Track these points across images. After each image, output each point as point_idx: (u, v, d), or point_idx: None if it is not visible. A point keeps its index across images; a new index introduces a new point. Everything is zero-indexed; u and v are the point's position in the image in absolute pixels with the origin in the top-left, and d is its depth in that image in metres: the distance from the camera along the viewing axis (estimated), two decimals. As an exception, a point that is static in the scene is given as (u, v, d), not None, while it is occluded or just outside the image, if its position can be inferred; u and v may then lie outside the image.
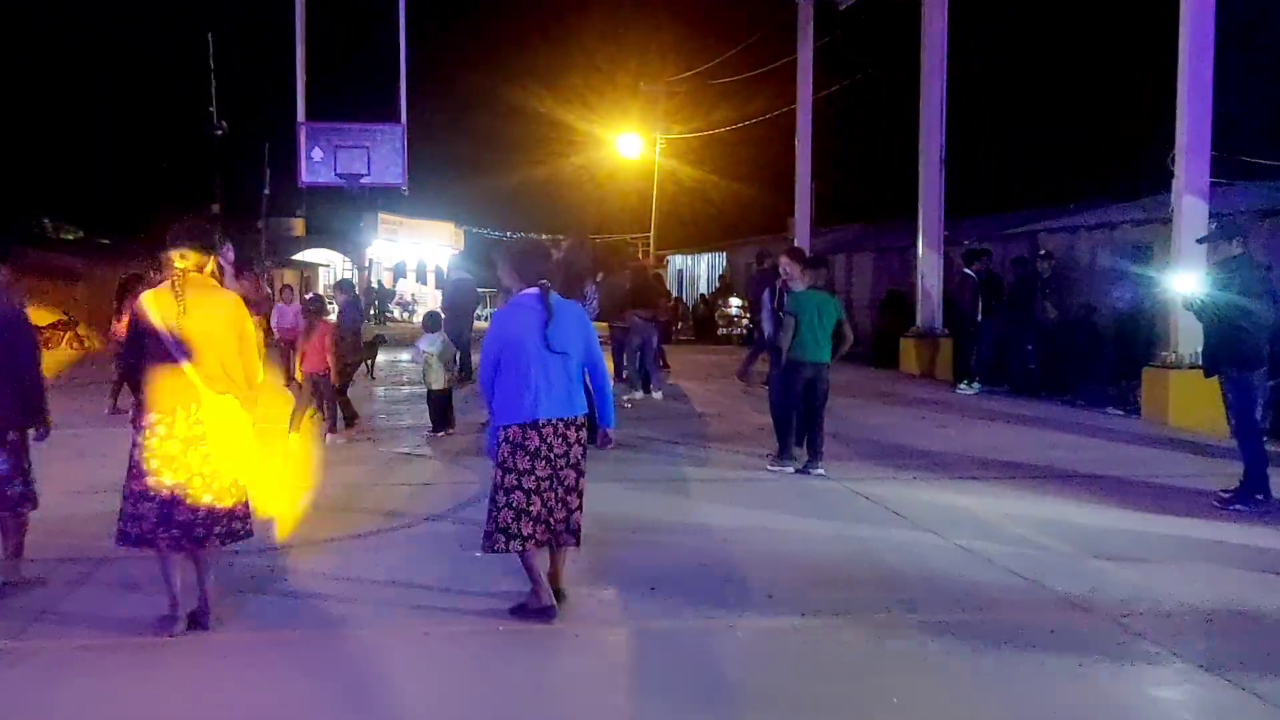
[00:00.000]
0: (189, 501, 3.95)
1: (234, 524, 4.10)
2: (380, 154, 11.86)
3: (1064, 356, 11.78)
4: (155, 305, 3.99)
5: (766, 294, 8.19)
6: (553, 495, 4.18)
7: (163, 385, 3.96)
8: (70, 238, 29.24)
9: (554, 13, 64.55)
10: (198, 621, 4.04)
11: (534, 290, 4.24)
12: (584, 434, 4.29)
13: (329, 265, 34.21)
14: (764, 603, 4.46)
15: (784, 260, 7.59)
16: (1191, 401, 9.16)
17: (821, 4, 17.79)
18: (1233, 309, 6.03)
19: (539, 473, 4.14)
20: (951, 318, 13.81)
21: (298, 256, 29.14)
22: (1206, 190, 9.64)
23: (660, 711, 3.50)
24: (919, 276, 14.90)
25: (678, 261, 31.82)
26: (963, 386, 12.31)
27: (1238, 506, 6.07)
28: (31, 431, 4.60)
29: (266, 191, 22.54)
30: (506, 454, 4.14)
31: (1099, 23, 21.52)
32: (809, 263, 7.50)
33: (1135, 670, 3.79)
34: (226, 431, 4.02)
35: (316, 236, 31.85)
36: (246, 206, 27.19)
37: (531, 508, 4.12)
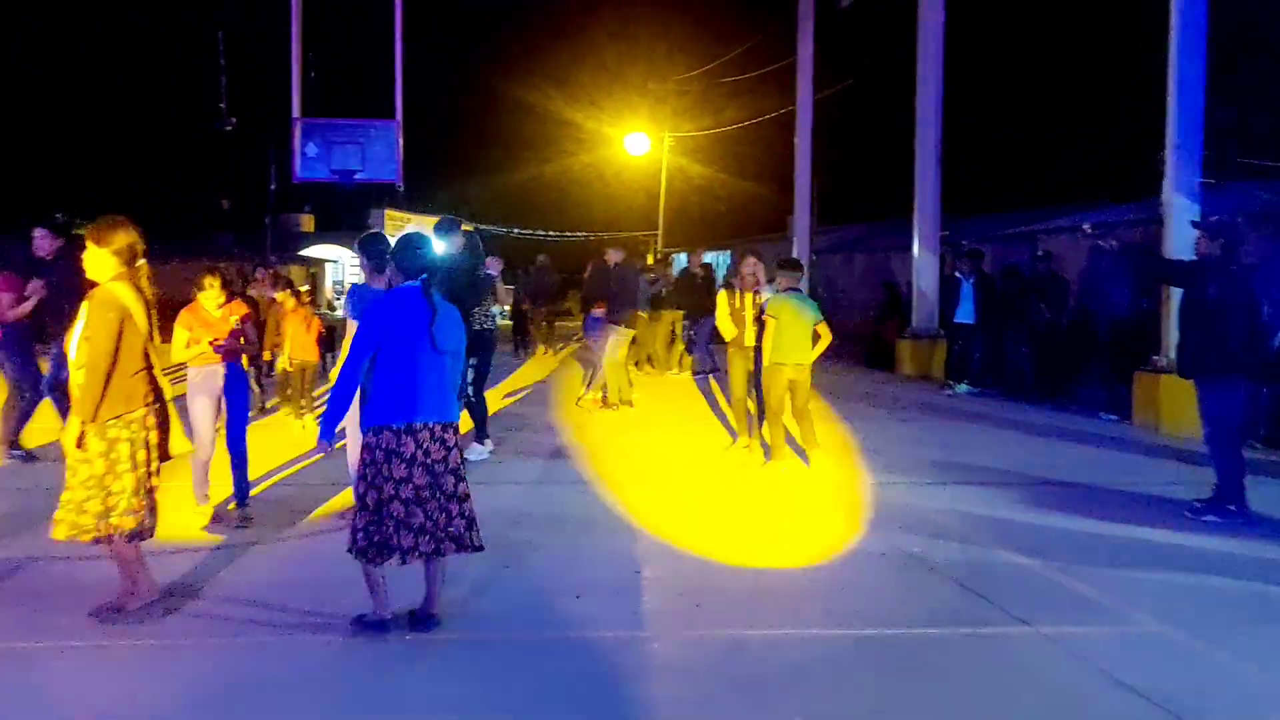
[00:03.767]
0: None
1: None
2: (375, 150, 11.86)
3: (1059, 359, 11.70)
4: (133, 300, 4.06)
5: (724, 293, 8.28)
6: (434, 504, 3.92)
7: (140, 381, 4.09)
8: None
9: (562, 11, 64.36)
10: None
11: (415, 284, 3.99)
12: (457, 438, 4.07)
13: (337, 261, 34.33)
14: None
15: (750, 264, 7.77)
16: (1182, 407, 9.05)
17: (821, 1, 17.74)
18: (1209, 310, 5.97)
19: (416, 481, 3.88)
20: (946, 319, 13.73)
21: (305, 252, 29.18)
22: (1196, 190, 9.53)
23: None
24: (914, 276, 14.82)
25: (682, 259, 31.75)
26: (956, 388, 12.25)
27: (1209, 518, 5.97)
28: None
29: (273, 187, 22.60)
30: (380, 460, 3.86)
31: (1099, 19, 21.32)
32: (785, 265, 7.62)
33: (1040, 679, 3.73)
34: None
35: (324, 233, 31.94)
36: (257, 202, 27.31)
37: (412, 519, 3.88)
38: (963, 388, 12.24)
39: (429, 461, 3.92)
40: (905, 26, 14.74)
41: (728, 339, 8.00)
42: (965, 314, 12.27)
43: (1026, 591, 4.76)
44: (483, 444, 7.71)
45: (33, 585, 4.67)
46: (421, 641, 4.04)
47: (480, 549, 4.15)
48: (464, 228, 7.53)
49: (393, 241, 4.41)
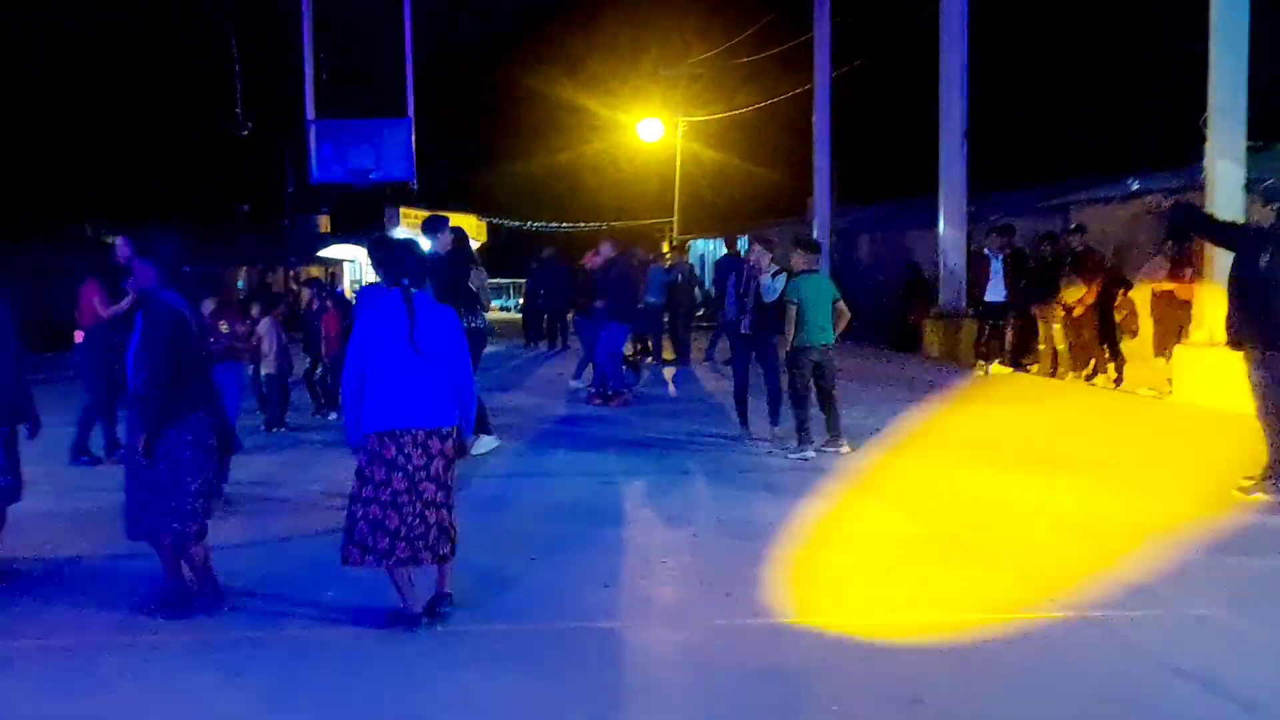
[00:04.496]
0: (217, 491, 4.45)
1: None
2: (388, 149, 11.75)
3: (1096, 335, 11.39)
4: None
5: (732, 278, 8.20)
6: (410, 510, 3.90)
7: (205, 377, 4.30)
8: (110, 241, 29.66)
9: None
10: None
11: (396, 290, 3.99)
12: (449, 445, 4.02)
13: (354, 260, 34.42)
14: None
15: (756, 250, 7.78)
16: (1225, 381, 8.81)
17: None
18: (1261, 279, 5.71)
19: (395, 485, 3.88)
20: (974, 297, 13.45)
21: (323, 253, 29.27)
22: (1242, 155, 9.19)
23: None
24: (941, 255, 14.56)
25: (699, 245, 31.51)
26: (987, 369, 12.00)
27: (1260, 495, 5.75)
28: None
29: (290, 190, 22.64)
30: (364, 463, 3.93)
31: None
32: (803, 244, 7.54)
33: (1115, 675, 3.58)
34: None
35: (341, 233, 32.05)
36: (275, 205, 27.38)
37: (389, 522, 3.88)
38: (995, 368, 11.99)
39: (409, 467, 3.91)
40: (924, -1, 14.44)
41: (728, 320, 8.08)
42: (995, 292, 11.99)
43: (1071, 576, 4.59)
44: (490, 435, 7.59)
45: (89, 582, 4.71)
46: (451, 633, 4.02)
47: (445, 560, 4.07)
48: (451, 224, 7.44)
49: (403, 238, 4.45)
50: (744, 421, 8.13)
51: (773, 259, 7.77)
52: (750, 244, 8.26)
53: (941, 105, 14.23)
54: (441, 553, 4.02)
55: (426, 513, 3.94)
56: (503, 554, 5.01)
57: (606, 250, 10.50)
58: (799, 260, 7.35)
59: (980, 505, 5.89)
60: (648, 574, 4.77)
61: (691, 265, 16.17)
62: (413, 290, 4.01)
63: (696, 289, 15.74)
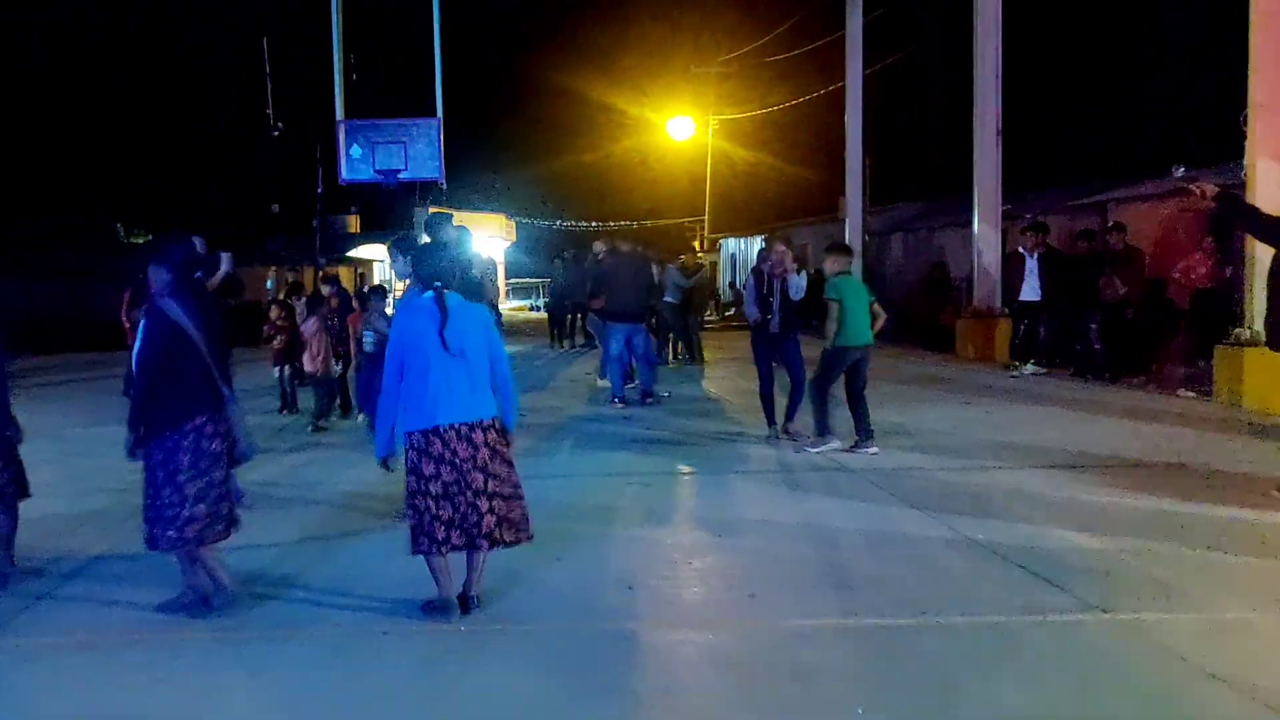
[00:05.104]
0: (227, 495, 4.28)
1: (235, 515, 4.38)
2: (417, 148, 11.80)
3: (1133, 335, 11.15)
4: (186, 310, 4.19)
5: (752, 280, 8.16)
6: (463, 500, 4.08)
7: (201, 388, 4.16)
8: (141, 241, 30.20)
9: (602, -1, 63.88)
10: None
11: (429, 292, 4.14)
12: (493, 435, 4.15)
13: (383, 260, 34.68)
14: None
15: (779, 249, 7.80)
16: (1268, 381, 8.58)
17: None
18: None
19: (444, 478, 4.07)
20: (1009, 297, 13.23)
21: (352, 253, 29.51)
22: (1283, 151, 8.94)
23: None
24: (975, 254, 14.35)
25: (730, 245, 31.38)
26: (1021, 369, 11.79)
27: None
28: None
29: (320, 190, 22.86)
30: (414, 460, 4.10)
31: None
32: (835, 249, 7.58)
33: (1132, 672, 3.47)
34: (244, 426, 4.42)
35: (370, 232, 32.29)
36: (306, 205, 27.59)
37: (442, 513, 4.08)
38: (1029, 368, 11.79)
39: (456, 460, 4.07)
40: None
41: (750, 322, 8.01)
42: (1030, 291, 11.80)
43: (1099, 576, 4.50)
44: None
45: (112, 581, 4.75)
46: (474, 632, 4.03)
47: (512, 544, 4.20)
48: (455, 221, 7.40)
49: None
50: (770, 421, 8.06)
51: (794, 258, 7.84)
52: (768, 244, 8.21)
53: (976, 102, 14.02)
54: (499, 539, 4.14)
55: (479, 501, 4.09)
56: (526, 554, 4.95)
57: (599, 249, 10.42)
58: (833, 263, 7.39)
59: (1007, 505, 5.77)
60: (672, 575, 4.74)
61: (703, 266, 16.06)
62: (445, 291, 4.13)
63: (726, 289, 15.63)
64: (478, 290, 5.45)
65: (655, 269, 10.05)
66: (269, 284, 14.23)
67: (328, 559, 5.04)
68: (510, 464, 4.22)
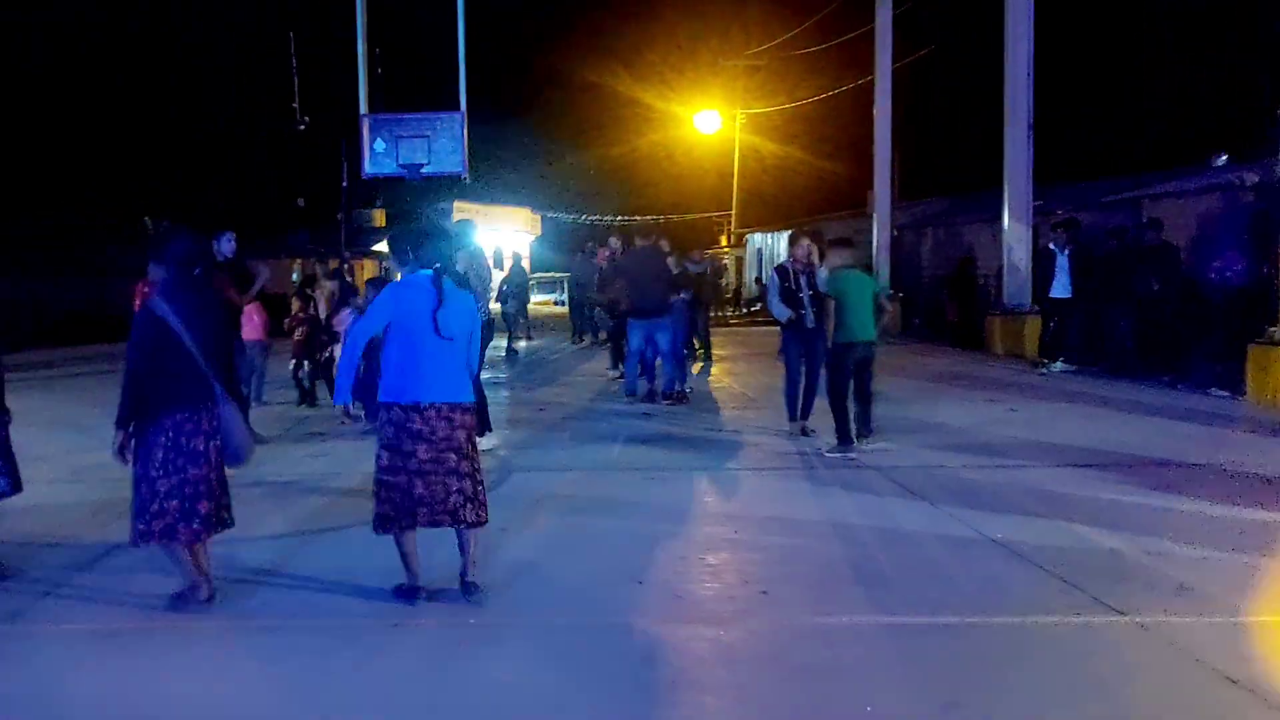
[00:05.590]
0: (208, 493, 4.14)
1: (224, 514, 4.28)
2: (440, 142, 11.79)
3: (1165, 333, 10.92)
4: (171, 305, 4.09)
5: (775, 275, 8.07)
6: (435, 478, 4.15)
7: (182, 383, 4.10)
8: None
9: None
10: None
11: (428, 273, 4.20)
12: (470, 419, 4.26)
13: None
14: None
15: (804, 243, 7.75)
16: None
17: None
18: None
19: (421, 455, 4.13)
20: (1039, 293, 13.02)
21: (377, 247, 29.69)
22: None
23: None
24: (1005, 250, 14.13)
25: (756, 239, 31.19)
26: (1051, 367, 11.61)
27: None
28: None
29: (345, 184, 23.00)
30: (390, 435, 4.16)
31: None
32: (838, 242, 7.46)
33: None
34: (238, 425, 4.24)
35: (394, 227, 32.47)
36: (331, 199, 27.76)
37: (414, 489, 4.14)
38: (1058, 366, 11.61)
39: (435, 439, 4.14)
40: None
41: (782, 321, 7.87)
42: (1061, 288, 11.61)
43: (1121, 578, 4.41)
44: (490, 432, 7.48)
45: (124, 571, 4.78)
46: (483, 624, 4.03)
47: (475, 525, 4.22)
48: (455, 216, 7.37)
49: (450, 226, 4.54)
50: (792, 416, 7.99)
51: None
52: (794, 238, 8.11)
53: (1007, 95, 13.79)
54: (463, 519, 4.19)
55: (449, 480, 4.16)
56: (539, 547, 5.01)
57: (613, 245, 10.33)
58: (834, 257, 7.31)
59: (1029, 504, 5.68)
60: (685, 570, 4.70)
61: (710, 260, 15.93)
62: (443, 275, 4.20)
63: (752, 284, 15.48)
64: (473, 279, 5.51)
65: (671, 261, 9.81)
66: (294, 276, 14.34)
67: (342, 550, 5.06)
68: (475, 446, 4.30)
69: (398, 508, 4.13)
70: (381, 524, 4.19)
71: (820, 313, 7.59)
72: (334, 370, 9.64)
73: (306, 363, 9.90)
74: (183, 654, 3.85)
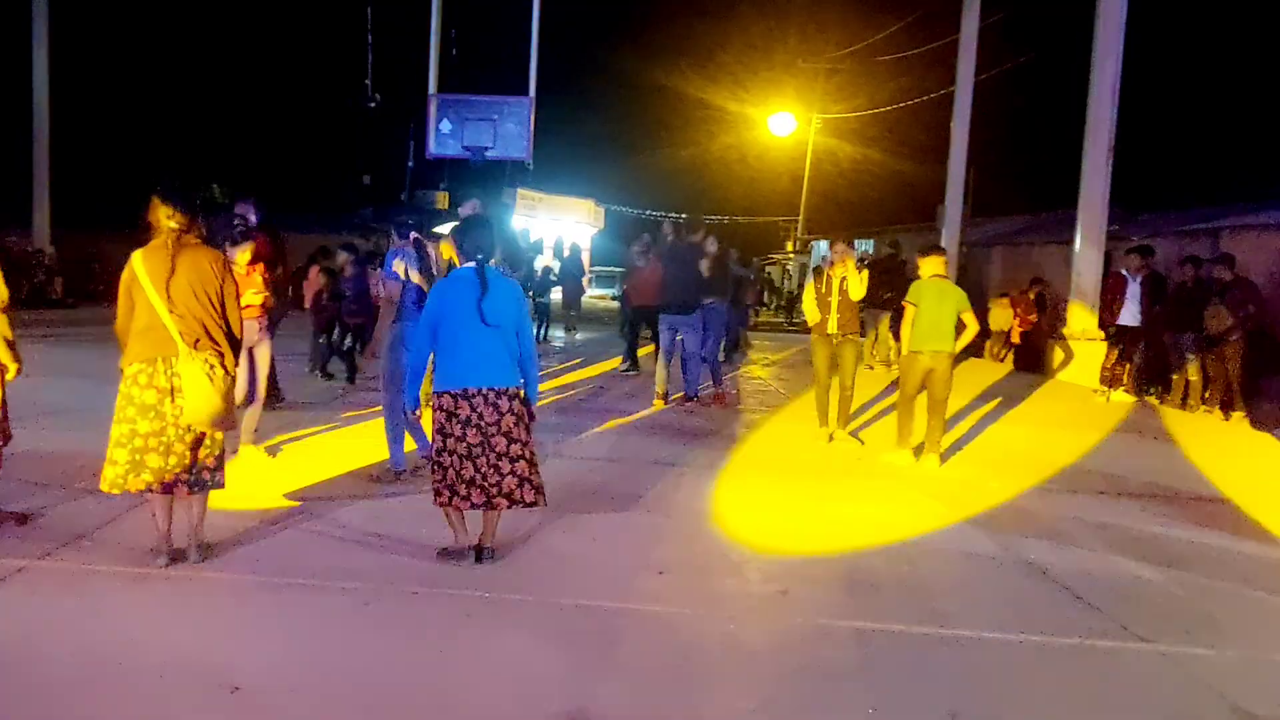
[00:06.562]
0: (160, 449, 4.11)
1: (203, 474, 4.25)
2: (507, 127, 11.83)
3: (1236, 370, 10.49)
4: (146, 262, 4.13)
5: (811, 280, 8.03)
6: (484, 461, 4.32)
7: (146, 338, 4.10)
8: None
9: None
10: (181, 556, 4.30)
11: (471, 265, 4.37)
12: (517, 404, 4.38)
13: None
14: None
15: (839, 248, 7.79)
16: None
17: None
18: None
19: (470, 439, 4.31)
20: (1107, 319, 12.62)
21: (438, 229, 29.98)
22: None
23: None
24: (1075, 275, 13.71)
25: (822, 246, 30.83)
26: (1109, 394, 11.24)
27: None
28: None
29: (411, 164, 23.31)
30: (442, 421, 4.33)
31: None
32: (927, 250, 7.34)
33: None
34: (200, 385, 4.09)
35: (457, 210, 32.66)
36: (397, 178, 28.21)
37: (464, 472, 4.33)
38: (1119, 393, 11.23)
39: (481, 424, 4.32)
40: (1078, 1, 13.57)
41: (811, 324, 7.86)
42: (1130, 315, 11.22)
43: (1148, 607, 4.31)
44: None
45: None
46: (500, 600, 4.08)
47: (532, 505, 4.41)
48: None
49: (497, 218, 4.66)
50: (823, 421, 7.92)
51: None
52: (832, 245, 8.06)
53: (1089, 116, 13.37)
54: (518, 499, 4.36)
55: (500, 464, 4.33)
56: (564, 533, 5.04)
57: (665, 231, 10.14)
58: (923, 265, 7.18)
59: (1066, 528, 5.55)
60: (705, 564, 4.70)
61: (753, 266, 15.66)
62: (486, 265, 4.37)
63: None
64: (519, 263, 5.66)
65: (704, 263, 9.42)
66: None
67: (369, 517, 5.16)
68: (529, 431, 4.42)
69: (450, 487, 4.34)
70: (436, 496, 4.41)
71: (846, 319, 7.63)
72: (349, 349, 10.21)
73: (323, 337, 10.36)
74: (204, 600, 3.97)
